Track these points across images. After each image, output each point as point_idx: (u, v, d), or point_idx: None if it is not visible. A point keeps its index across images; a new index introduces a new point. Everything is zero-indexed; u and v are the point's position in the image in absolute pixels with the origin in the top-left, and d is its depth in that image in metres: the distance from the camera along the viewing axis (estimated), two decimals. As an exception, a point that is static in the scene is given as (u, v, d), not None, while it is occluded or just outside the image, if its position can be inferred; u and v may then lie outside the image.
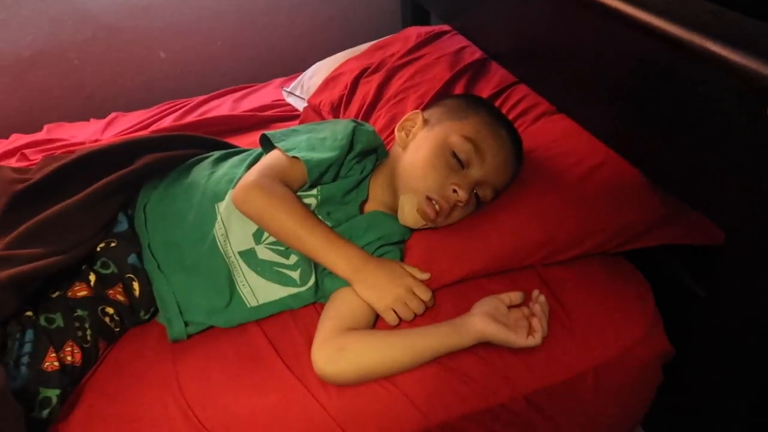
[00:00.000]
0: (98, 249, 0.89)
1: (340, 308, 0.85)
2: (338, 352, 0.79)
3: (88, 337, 0.83)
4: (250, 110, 1.53)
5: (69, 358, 0.80)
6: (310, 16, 1.88)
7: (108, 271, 0.88)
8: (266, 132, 0.96)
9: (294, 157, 0.90)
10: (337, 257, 0.85)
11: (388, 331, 0.84)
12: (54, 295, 0.85)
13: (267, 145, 0.97)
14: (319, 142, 0.94)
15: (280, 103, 1.58)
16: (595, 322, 0.85)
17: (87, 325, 0.83)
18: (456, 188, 0.87)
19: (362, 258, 0.86)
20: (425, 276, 0.87)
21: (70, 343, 0.81)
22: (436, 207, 0.88)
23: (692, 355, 0.88)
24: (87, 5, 1.65)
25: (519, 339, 0.80)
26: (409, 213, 0.89)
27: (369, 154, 0.98)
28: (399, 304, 0.84)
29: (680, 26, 0.73)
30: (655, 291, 0.91)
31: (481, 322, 0.80)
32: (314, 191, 0.93)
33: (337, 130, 0.96)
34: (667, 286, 0.92)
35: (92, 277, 0.87)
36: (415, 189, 0.89)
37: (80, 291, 0.86)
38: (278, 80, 1.71)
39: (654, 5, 0.79)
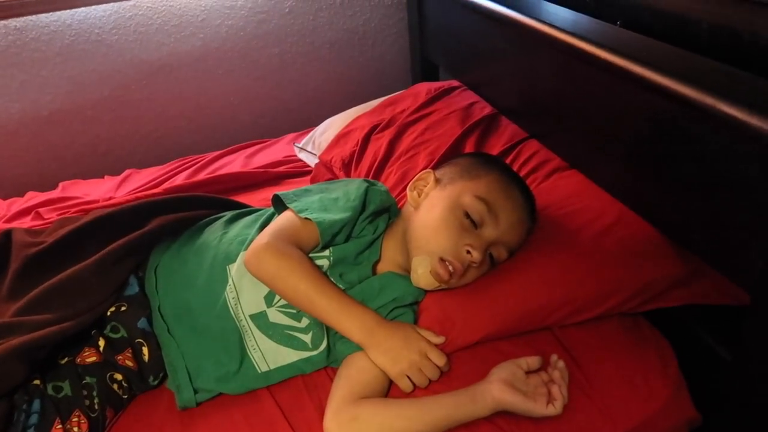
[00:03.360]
0: (108, 313, 0.89)
1: (352, 375, 0.83)
2: (351, 422, 0.76)
3: (96, 406, 0.81)
4: (262, 166, 1.54)
5: (75, 429, 0.78)
6: (320, 73, 1.92)
7: (118, 336, 0.87)
8: (278, 192, 0.97)
9: (306, 218, 0.89)
10: (349, 321, 0.83)
11: (402, 400, 0.81)
12: (62, 362, 0.84)
13: (279, 205, 0.97)
14: (331, 202, 0.94)
15: (292, 159, 1.59)
16: (617, 387, 0.82)
17: (95, 393, 0.82)
18: (470, 249, 0.86)
19: (376, 322, 0.84)
20: (440, 340, 0.85)
21: (77, 413, 0.79)
22: (450, 268, 0.87)
23: (719, 421, 0.85)
24: (104, 66, 1.69)
25: (538, 408, 0.77)
26: (422, 275, 0.88)
27: (381, 213, 0.97)
28: (413, 370, 0.81)
29: (695, 88, 0.73)
30: (678, 354, 0.88)
31: (498, 390, 0.77)
32: (326, 252, 0.92)
33: (350, 190, 0.96)
34: (691, 349, 0.89)
35: (101, 342, 0.86)
36: (428, 250, 0.88)
37: (89, 357, 0.85)
38: (290, 136, 1.73)
39: (667, 66, 0.79)
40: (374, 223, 0.96)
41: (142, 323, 0.88)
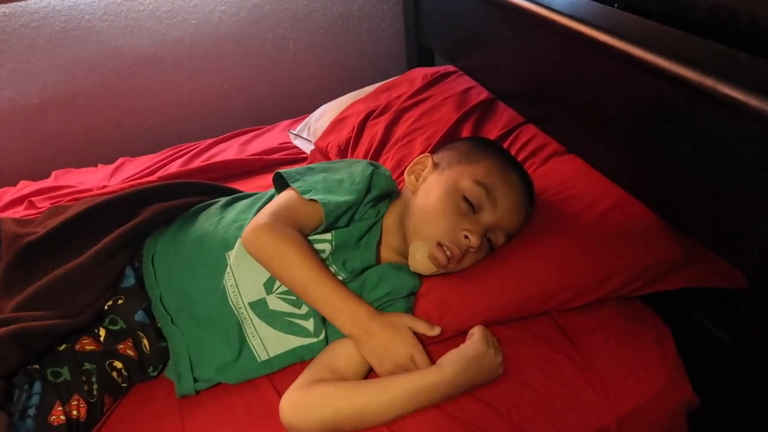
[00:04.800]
0: (106, 307, 0.88)
1: (328, 360, 0.83)
2: (302, 397, 0.77)
3: (95, 392, 0.81)
4: (257, 153, 1.53)
5: (75, 412, 0.78)
6: (315, 59, 1.90)
7: (117, 327, 0.87)
8: (281, 170, 0.94)
9: (311, 199, 0.87)
10: (341, 314, 0.82)
11: (356, 381, 0.81)
12: (61, 348, 0.83)
13: (280, 184, 0.95)
14: (336, 183, 0.92)
15: (287, 146, 1.57)
16: (615, 371, 0.82)
17: (94, 380, 0.82)
18: (467, 234, 0.86)
19: (367, 317, 0.82)
20: (435, 332, 0.84)
21: (77, 397, 0.79)
22: (448, 253, 0.86)
23: (717, 403, 0.85)
24: (95, 53, 1.67)
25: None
26: (420, 260, 0.87)
27: (384, 198, 0.96)
28: (398, 372, 0.81)
29: (695, 70, 0.72)
30: (676, 337, 0.88)
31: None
32: (328, 236, 0.90)
33: (355, 172, 0.94)
34: (689, 332, 0.89)
35: (102, 332, 0.85)
36: (425, 235, 0.87)
37: (88, 345, 0.85)
38: (285, 123, 1.71)
39: (666, 48, 0.78)
40: (376, 207, 0.94)
41: (139, 316, 0.87)
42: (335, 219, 0.88)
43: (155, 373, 0.88)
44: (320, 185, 0.90)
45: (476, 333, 0.82)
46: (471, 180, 0.88)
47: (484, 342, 0.81)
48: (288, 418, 0.76)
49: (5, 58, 1.60)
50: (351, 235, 0.91)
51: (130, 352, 0.85)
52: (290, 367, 0.87)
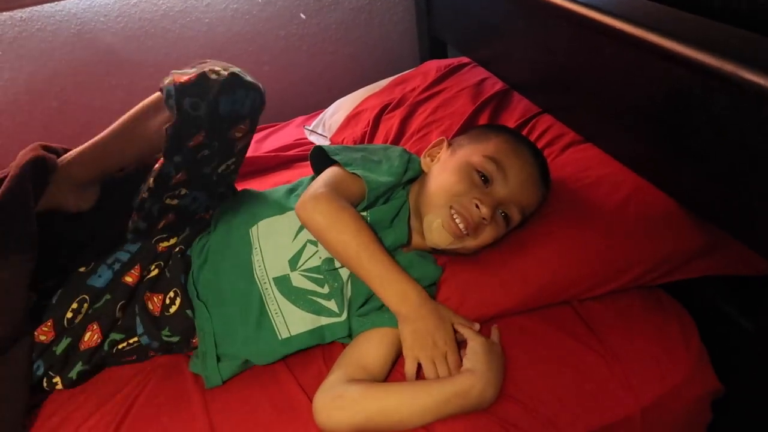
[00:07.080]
0: (177, 249, 0.92)
1: (355, 357, 0.83)
2: (335, 400, 0.77)
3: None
4: (273, 150, 1.53)
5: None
6: (327, 54, 1.90)
7: (158, 274, 0.90)
8: (321, 145, 0.97)
9: (355, 173, 0.90)
10: (391, 290, 0.82)
11: (389, 383, 0.81)
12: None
13: (318, 162, 0.98)
14: (375, 165, 0.95)
15: (303, 142, 1.58)
16: (639, 360, 0.82)
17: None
18: (478, 203, 0.86)
19: (417, 299, 0.82)
20: (476, 328, 0.84)
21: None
22: (461, 225, 0.86)
23: (742, 391, 0.85)
24: (111, 55, 1.68)
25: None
26: (436, 230, 0.88)
27: (413, 182, 0.99)
28: (426, 362, 0.81)
29: (713, 55, 0.71)
30: (700, 325, 0.87)
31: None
32: (364, 214, 0.91)
33: (392, 156, 0.97)
34: (712, 320, 0.89)
35: (154, 272, 0.89)
36: (438, 204, 0.89)
37: (129, 277, 0.89)
38: (299, 119, 1.72)
39: (683, 34, 0.77)
40: (406, 188, 0.97)
41: (182, 279, 0.90)
42: (376, 198, 0.90)
43: (171, 338, 0.88)
44: (360, 162, 0.93)
45: (467, 333, 0.82)
46: (481, 156, 0.89)
47: (480, 335, 0.82)
48: (321, 420, 0.77)
49: (24, 62, 1.62)
50: (385, 213, 0.92)
51: (151, 306, 0.88)
52: (311, 358, 0.88)
